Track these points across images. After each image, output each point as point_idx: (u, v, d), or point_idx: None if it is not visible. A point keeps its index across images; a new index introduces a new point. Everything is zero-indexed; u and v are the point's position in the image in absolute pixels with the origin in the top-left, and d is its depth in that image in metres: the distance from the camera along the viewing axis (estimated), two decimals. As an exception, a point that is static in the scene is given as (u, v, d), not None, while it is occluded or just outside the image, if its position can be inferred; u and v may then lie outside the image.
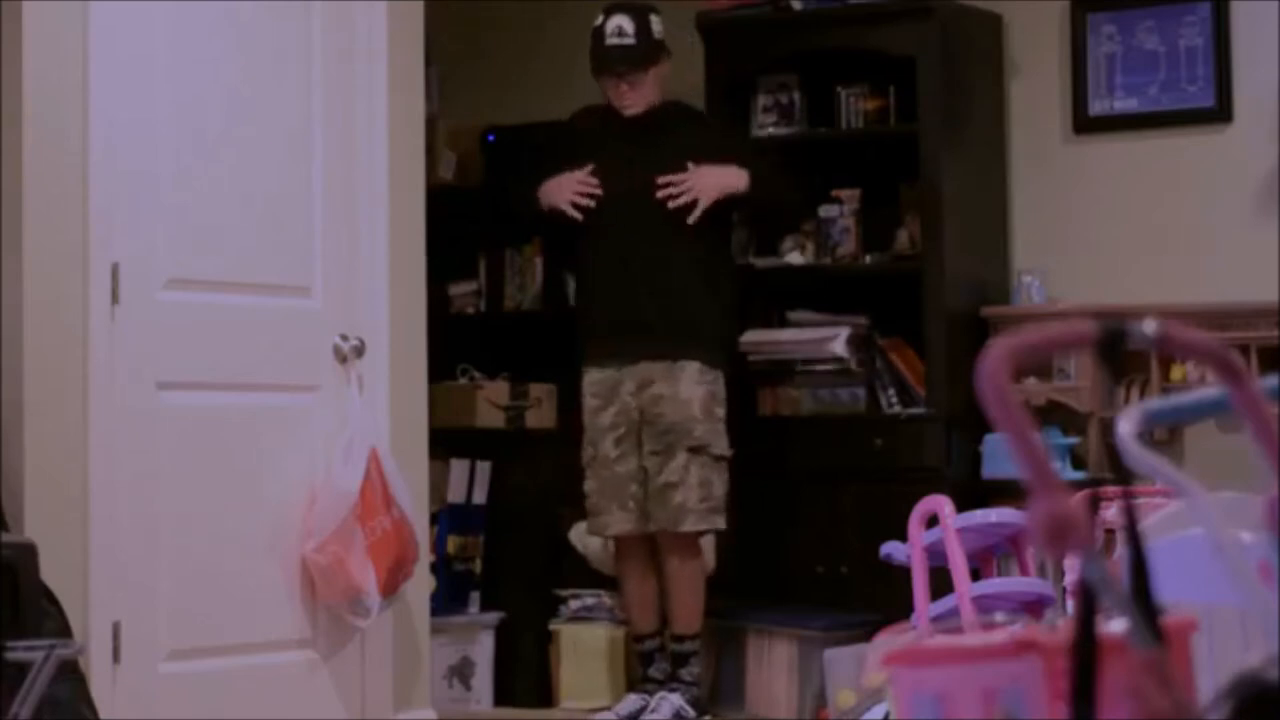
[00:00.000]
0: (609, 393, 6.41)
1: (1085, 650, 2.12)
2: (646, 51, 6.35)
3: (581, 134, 6.55)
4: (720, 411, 6.40)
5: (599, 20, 6.41)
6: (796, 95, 7.13)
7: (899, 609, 5.36)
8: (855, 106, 7.04)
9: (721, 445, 6.38)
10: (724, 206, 6.48)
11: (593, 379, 6.46)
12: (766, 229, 7.11)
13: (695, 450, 6.32)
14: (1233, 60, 6.69)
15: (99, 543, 5.33)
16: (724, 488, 6.39)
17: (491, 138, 7.75)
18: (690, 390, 6.34)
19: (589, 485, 6.45)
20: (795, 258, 7.08)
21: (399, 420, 6.09)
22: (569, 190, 6.46)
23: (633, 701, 6.42)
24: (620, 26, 6.35)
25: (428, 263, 6.27)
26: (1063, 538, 2.02)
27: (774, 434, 6.90)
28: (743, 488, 6.72)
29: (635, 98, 6.38)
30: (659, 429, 6.34)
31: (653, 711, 6.33)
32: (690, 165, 6.40)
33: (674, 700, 6.32)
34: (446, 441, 6.77)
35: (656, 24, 6.40)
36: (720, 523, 6.38)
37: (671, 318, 6.37)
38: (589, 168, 6.44)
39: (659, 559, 6.45)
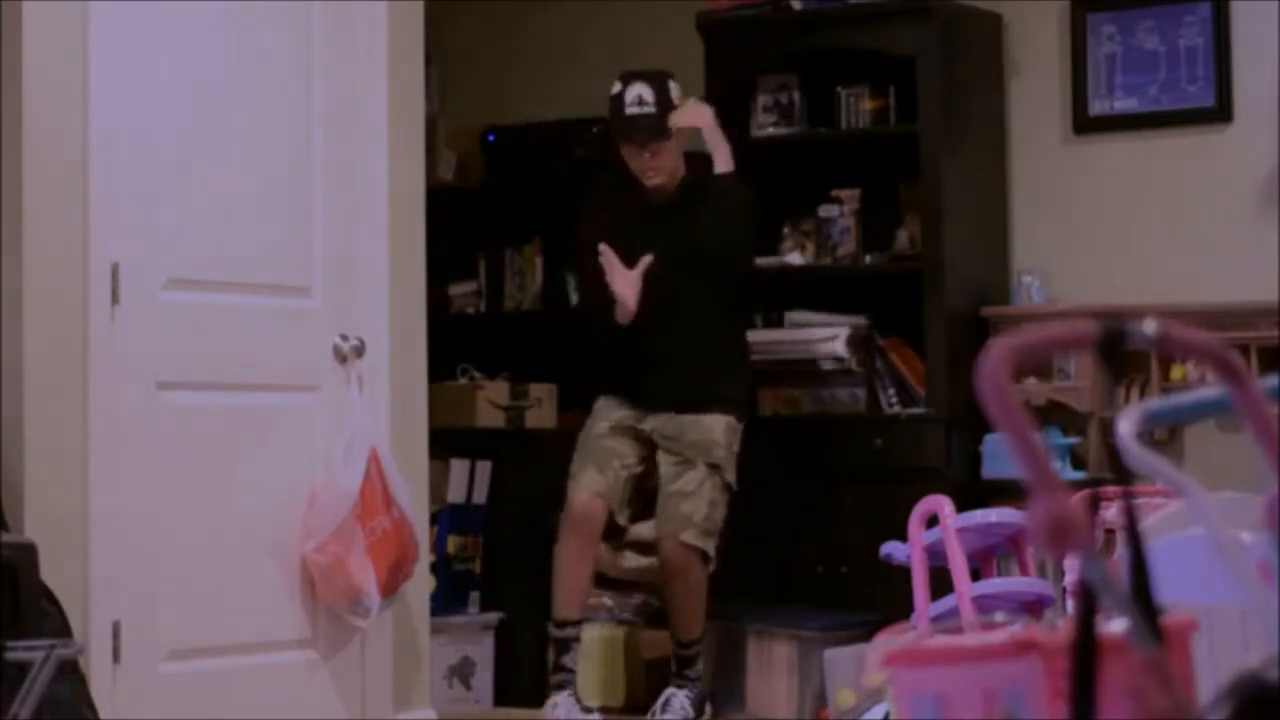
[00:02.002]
0: (624, 404, 6.42)
1: (1085, 650, 2.12)
2: (663, 121, 6.33)
3: (605, 209, 6.44)
4: (736, 448, 6.41)
5: (617, 89, 6.34)
6: (796, 95, 7.14)
7: (899, 609, 5.36)
8: (855, 106, 7.04)
9: (732, 476, 6.38)
10: (727, 270, 6.45)
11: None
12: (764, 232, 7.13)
13: (713, 468, 6.32)
14: (1233, 60, 6.69)
15: (99, 543, 5.32)
16: (723, 517, 6.38)
17: (491, 138, 7.76)
18: (714, 421, 6.36)
19: (573, 463, 6.42)
20: (795, 258, 7.09)
21: (399, 420, 6.09)
22: (630, 287, 6.28)
23: (565, 706, 6.37)
24: (640, 95, 6.31)
25: (428, 263, 6.27)
26: (1063, 538, 2.02)
27: (774, 434, 6.90)
28: (743, 487, 6.72)
29: (658, 165, 6.32)
30: (681, 443, 6.33)
31: (663, 710, 6.32)
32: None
33: (681, 699, 6.33)
34: (446, 441, 6.77)
35: (675, 90, 6.36)
36: (711, 548, 6.33)
37: (697, 394, 6.35)
38: (646, 263, 6.27)
39: (662, 561, 6.41)
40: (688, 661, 6.41)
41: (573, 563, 6.37)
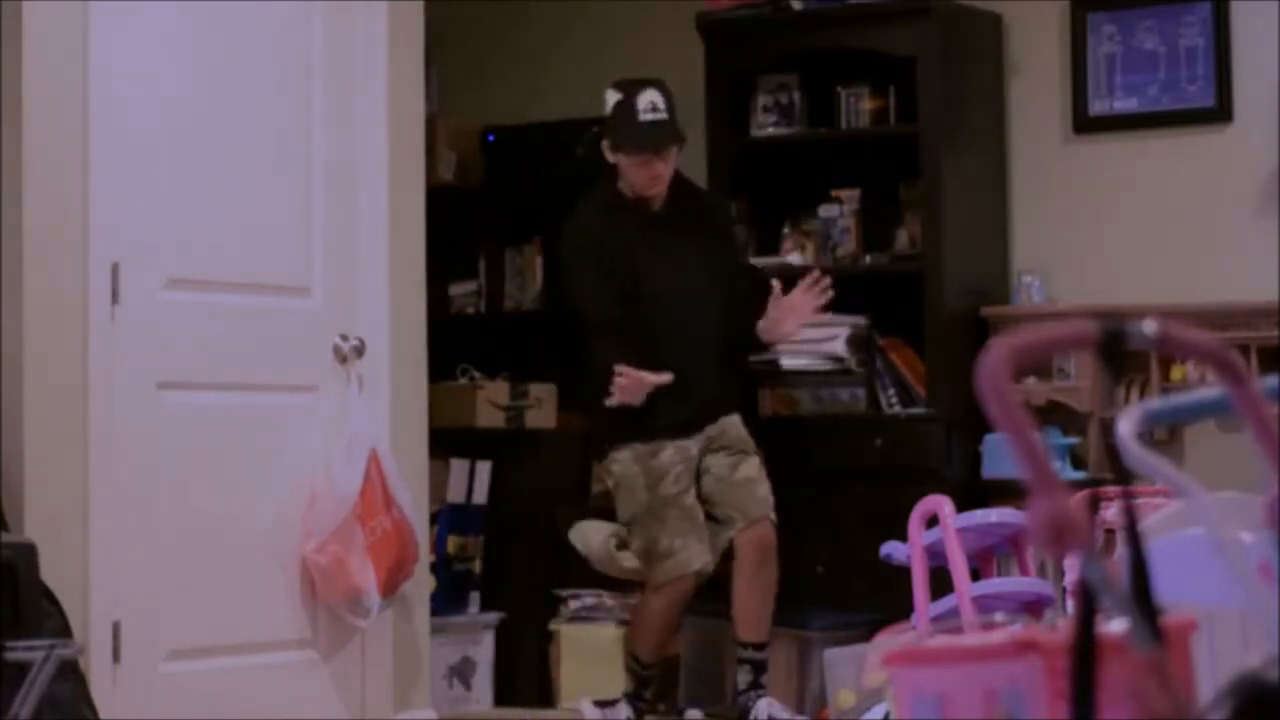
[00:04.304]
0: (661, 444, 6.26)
1: (1085, 650, 2.12)
2: (678, 127, 6.26)
3: (611, 236, 6.27)
4: None
5: (619, 97, 6.22)
6: (796, 95, 7.13)
7: (899, 609, 5.36)
8: (855, 106, 7.04)
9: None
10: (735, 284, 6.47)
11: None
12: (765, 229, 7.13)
13: (759, 455, 6.34)
14: (1233, 60, 6.69)
15: (99, 543, 5.32)
16: None
17: (491, 138, 7.76)
18: (736, 419, 6.35)
19: (653, 531, 6.19)
20: (795, 258, 7.08)
21: (399, 420, 6.09)
22: (638, 392, 6.10)
23: (621, 710, 6.37)
24: (653, 102, 6.19)
25: (428, 263, 6.27)
26: (1063, 538, 2.02)
27: (774, 434, 6.90)
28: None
29: (663, 175, 6.22)
30: (728, 439, 6.30)
31: (757, 716, 6.21)
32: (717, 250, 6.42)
33: (770, 702, 6.21)
34: (446, 441, 6.77)
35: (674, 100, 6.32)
36: None
37: (726, 398, 6.35)
38: (666, 378, 6.11)
39: (740, 568, 6.29)
40: (763, 667, 6.25)
41: (666, 621, 6.33)
